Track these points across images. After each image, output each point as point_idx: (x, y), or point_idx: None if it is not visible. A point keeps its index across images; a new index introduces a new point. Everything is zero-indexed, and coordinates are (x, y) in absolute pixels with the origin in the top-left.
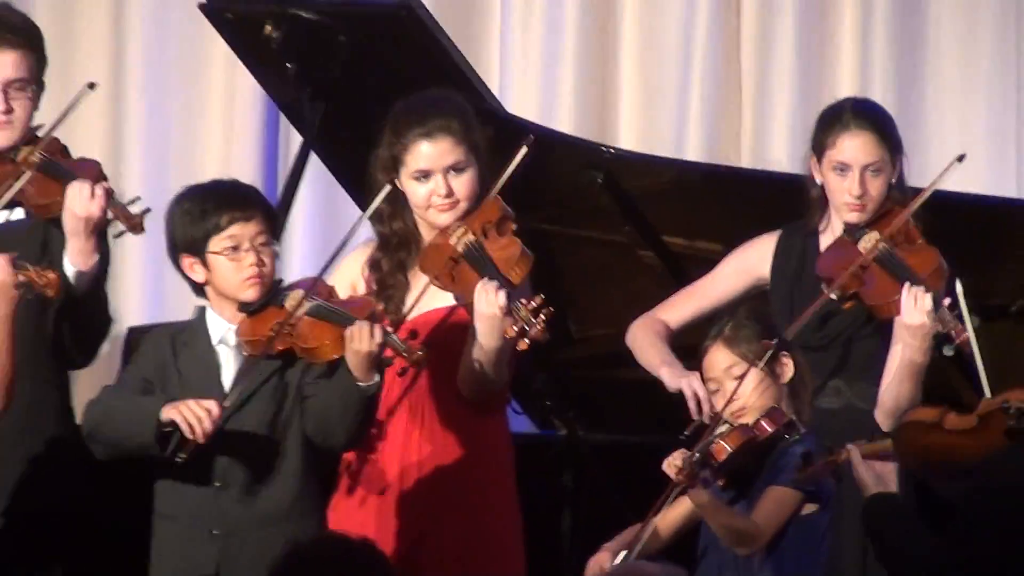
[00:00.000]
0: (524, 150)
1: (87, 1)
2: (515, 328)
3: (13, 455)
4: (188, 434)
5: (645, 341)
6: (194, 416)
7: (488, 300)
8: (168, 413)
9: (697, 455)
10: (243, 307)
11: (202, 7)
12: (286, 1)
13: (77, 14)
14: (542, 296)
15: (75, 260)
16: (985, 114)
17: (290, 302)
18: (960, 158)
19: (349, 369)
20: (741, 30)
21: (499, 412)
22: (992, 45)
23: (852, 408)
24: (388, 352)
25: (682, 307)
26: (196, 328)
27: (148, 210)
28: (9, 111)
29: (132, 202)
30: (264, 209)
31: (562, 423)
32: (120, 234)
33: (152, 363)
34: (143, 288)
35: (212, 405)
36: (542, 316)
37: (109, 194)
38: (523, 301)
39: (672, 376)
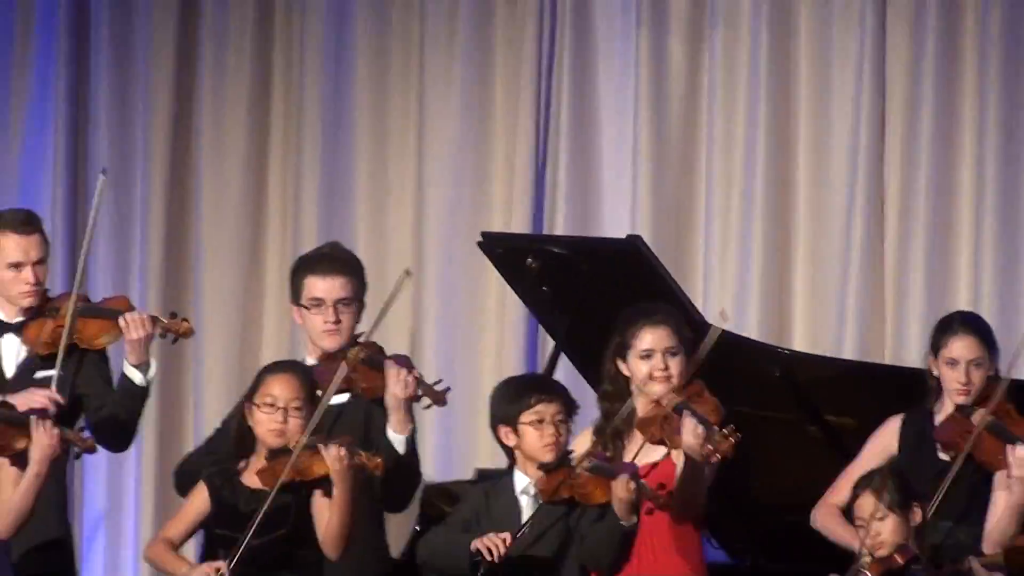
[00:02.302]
0: (719, 334)
1: (394, 250)
2: (710, 447)
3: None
4: (488, 557)
5: (833, 524)
6: (492, 544)
7: (691, 430)
8: (475, 544)
9: None
10: (542, 466)
11: (480, 244)
12: (542, 239)
13: (385, 252)
14: (733, 426)
15: (396, 428)
16: None
17: (576, 461)
18: None
19: (615, 512)
20: (885, 266)
21: (699, 532)
22: None
23: (959, 544)
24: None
25: (844, 490)
26: (504, 483)
27: (449, 389)
28: (338, 322)
29: (436, 383)
30: (564, 395)
31: (748, 554)
32: (429, 406)
33: (471, 509)
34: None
35: (506, 535)
36: (731, 439)
37: (419, 378)
38: (716, 427)
39: None
